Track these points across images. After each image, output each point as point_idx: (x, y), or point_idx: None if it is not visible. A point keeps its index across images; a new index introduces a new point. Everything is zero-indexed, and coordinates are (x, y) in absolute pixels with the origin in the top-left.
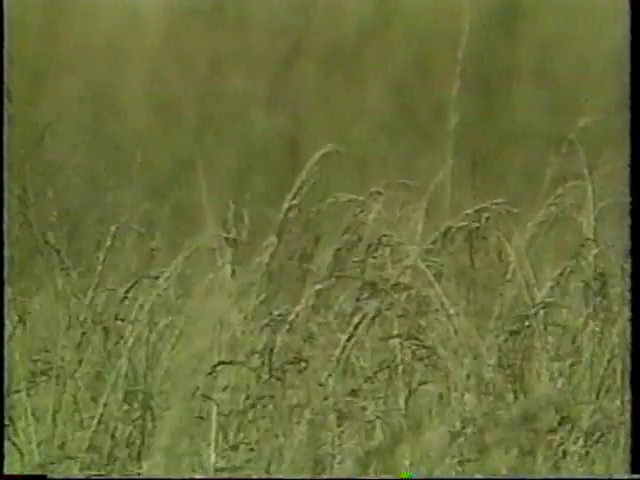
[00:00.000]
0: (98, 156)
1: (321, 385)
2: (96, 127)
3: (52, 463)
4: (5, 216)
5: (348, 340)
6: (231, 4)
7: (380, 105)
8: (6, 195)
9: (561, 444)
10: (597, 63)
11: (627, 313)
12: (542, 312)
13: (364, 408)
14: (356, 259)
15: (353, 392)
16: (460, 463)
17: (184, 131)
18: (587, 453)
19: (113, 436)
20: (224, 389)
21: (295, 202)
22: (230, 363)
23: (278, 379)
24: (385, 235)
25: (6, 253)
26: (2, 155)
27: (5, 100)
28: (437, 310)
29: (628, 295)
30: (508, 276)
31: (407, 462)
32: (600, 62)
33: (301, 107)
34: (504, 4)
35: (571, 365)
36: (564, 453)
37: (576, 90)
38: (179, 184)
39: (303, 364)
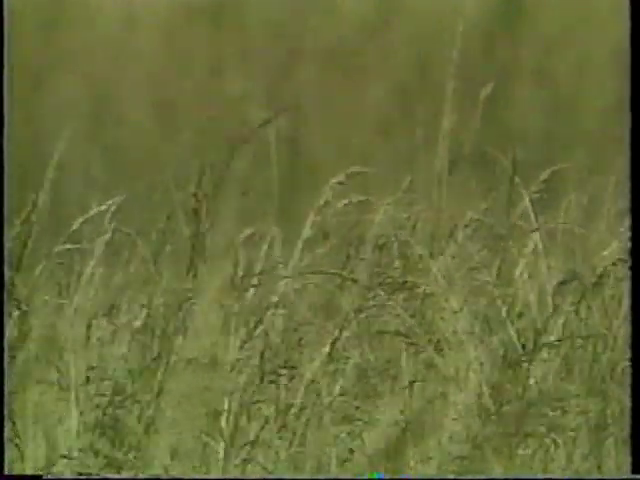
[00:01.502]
0: (97, 155)
1: (313, 382)
2: (95, 126)
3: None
4: (5, 216)
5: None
6: (231, 4)
7: (380, 105)
8: (6, 195)
9: (561, 443)
10: (597, 63)
11: (627, 313)
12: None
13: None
14: (363, 257)
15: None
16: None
17: (183, 131)
18: (586, 453)
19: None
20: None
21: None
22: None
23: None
24: (394, 235)
25: (6, 253)
26: (2, 155)
27: (5, 100)
28: (444, 309)
29: (628, 295)
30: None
31: (410, 461)
32: (600, 62)
33: (301, 107)
34: (504, 4)
35: (572, 364)
36: (563, 452)
37: (576, 90)
38: (178, 184)
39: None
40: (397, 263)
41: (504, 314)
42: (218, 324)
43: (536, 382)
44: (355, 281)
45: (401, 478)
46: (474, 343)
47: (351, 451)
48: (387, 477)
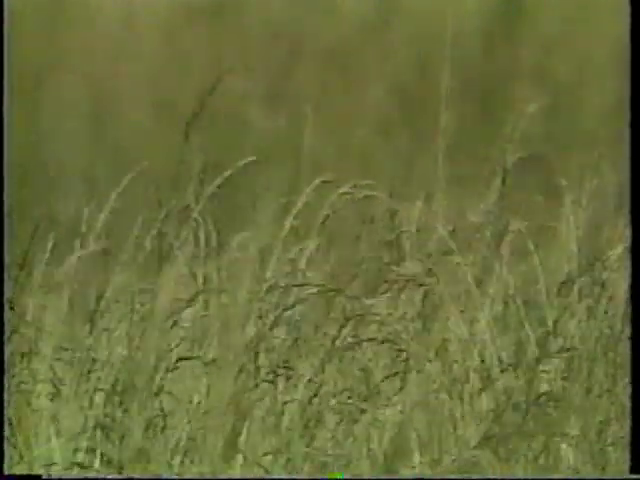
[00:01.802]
0: (97, 156)
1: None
2: (95, 126)
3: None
4: (5, 216)
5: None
6: (231, 4)
7: (380, 105)
8: (6, 195)
9: (562, 443)
10: (597, 63)
11: (627, 311)
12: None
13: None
14: (371, 254)
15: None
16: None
17: (182, 131)
18: (587, 452)
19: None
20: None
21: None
22: (190, 358)
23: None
24: (403, 231)
25: (6, 252)
26: (2, 155)
27: (5, 100)
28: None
29: (628, 295)
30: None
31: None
32: (600, 62)
33: (301, 107)
34: (504, 4)
35: (574, 364)
36: (565, 452)
37: (576, 90)
38: (177, 185)
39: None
40: (401, 262)
41: (514, 314)
42: (217, 323)
43: (541, 383)
44: (342, 291)
45: (400, 478)
46: (481, 344)
47: (353, 452)
48: (387, 477)
